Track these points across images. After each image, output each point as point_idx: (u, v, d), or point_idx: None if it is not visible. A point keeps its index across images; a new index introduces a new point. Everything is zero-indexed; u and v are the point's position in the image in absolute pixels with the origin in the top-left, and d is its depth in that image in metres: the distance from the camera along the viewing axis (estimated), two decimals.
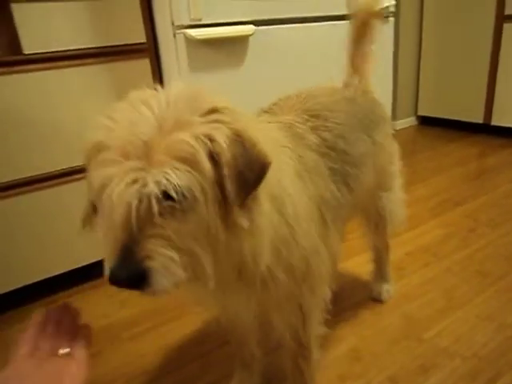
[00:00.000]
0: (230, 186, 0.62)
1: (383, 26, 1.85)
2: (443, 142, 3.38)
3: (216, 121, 0.64)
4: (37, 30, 1.48)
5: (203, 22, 1.61)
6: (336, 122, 1.12)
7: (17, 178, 1.57)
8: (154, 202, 0.58)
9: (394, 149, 1.43)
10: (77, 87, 1.61)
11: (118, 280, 0.58)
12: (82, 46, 1.59)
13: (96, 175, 0.62)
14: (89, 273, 1.86)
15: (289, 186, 0.86)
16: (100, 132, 0.64)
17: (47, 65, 1.53)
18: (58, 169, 1.66)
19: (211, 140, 0.62)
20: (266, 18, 1.74)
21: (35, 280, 1.71)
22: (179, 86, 0.71)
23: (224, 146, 0.62)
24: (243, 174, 0.63)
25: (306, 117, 1.08)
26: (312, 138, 1.03)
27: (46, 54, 1.52)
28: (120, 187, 0.57)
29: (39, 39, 1.50)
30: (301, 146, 0.99)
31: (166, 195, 0.59)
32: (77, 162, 1.67)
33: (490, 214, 2.24)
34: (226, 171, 0.62)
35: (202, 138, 0.61)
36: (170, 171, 0.58)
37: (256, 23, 1.70)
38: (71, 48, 1.56)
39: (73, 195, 1.68)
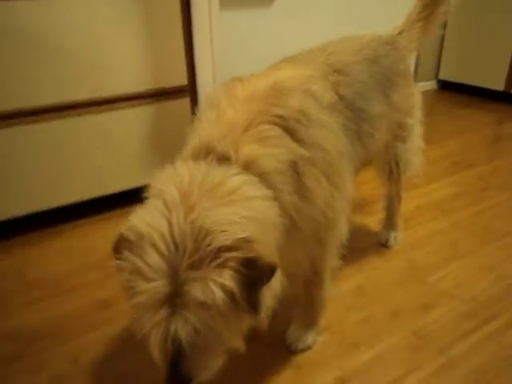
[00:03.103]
0: (245, 308, 0.74)
1: None
2: (461, 107, 3.37)
3: (225, 261, 0.71)
4: None
5: None
6: (356, 79, 1.16)
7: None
8: (181, 340, 0.71)
9: (412, 102, 1.46)
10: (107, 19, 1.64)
11: None
12: None
13: (140, 319, 0.74)
14: (109, 203, 1.96)
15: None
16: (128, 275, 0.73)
17: None
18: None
19: (222, 285, 0.70)
20: None
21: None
22: (175, 197, 0.75)
23: (235, 287, 0.71)
24: (253, 290, 0.74)
25: (329, 70, 1.12)
26: (327, 98, 1.06)
27: None
28: (156, 339, 0.72)
29: None
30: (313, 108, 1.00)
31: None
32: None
33: (502, 178, 2.28)
34: (239, 301, 0.72)
35: (213, 287, 0.69)
36: (188, 319, 0.69)
37: None
38: None
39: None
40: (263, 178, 0.85)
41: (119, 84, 1.75)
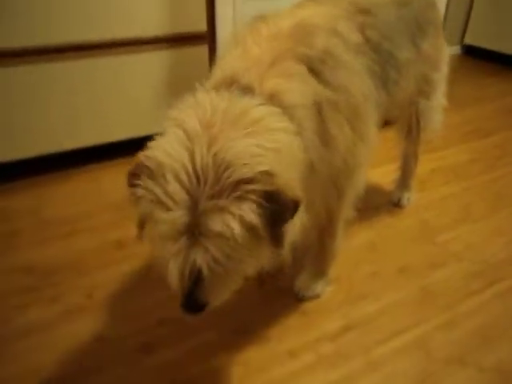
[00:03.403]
0: (267, 240, 0.74)
1: None
2: (485, 75, 3.26)
3: (244, 194, 0.69)
4: None
5: None
6: (385, 21, 1.11)
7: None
8: (200, 269, 0.72)
9: (441, 55, 1.41)
10: None
11: (187, 313, 0.80)
12: None
13: (159, 249, 0.74)
14: (123, 148, 1.95)
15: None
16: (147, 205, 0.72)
17: None
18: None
19: (241, 217, 0.69)
20: None
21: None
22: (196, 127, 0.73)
23: (255, 220, 0.70)
24: (276, 224, 0.73)
25: (353, 10, 1.07)
26: (353, 38, 1.02)
27: None
28: (175, 267, 0.73)
29: None
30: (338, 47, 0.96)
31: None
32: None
33: None
34: (260, 233, 0.72)
35: (231, 219, 0.68)
36: (208, 249, 0.70)
37: None
38: None
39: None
40: (287, 111, 0.82)
41: (137, 26, 1.71)
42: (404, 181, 1.71)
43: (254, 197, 0.70)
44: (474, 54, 3.64)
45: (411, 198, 1.72)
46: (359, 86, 0.99)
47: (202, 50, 1.85)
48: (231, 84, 0.83)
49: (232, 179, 0.69)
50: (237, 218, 0.69)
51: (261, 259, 0.80)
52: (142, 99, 1.84)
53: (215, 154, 0.70)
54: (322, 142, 0.91)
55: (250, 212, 0.69)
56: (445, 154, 2.12)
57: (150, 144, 0.76)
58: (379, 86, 1.09)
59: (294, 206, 0.74)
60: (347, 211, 1.19)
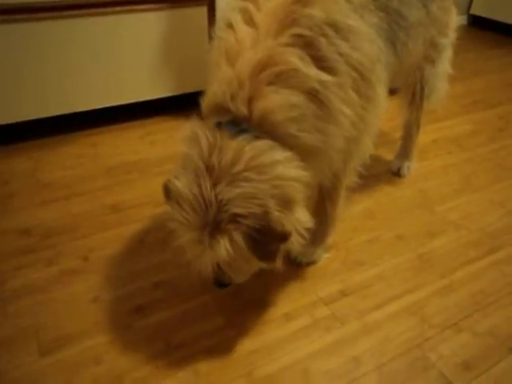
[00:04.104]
0: (257, 256, 0.89)
1: None
2: (490, 46, 3.20)
3: (239, 225, 0.85)
4: None
5: None
6: None
7: None
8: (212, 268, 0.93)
9: (449, 20, 1.36)
10: None
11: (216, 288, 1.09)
12: None
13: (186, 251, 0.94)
14: (121, 114, 1.92)
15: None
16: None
17: None
18: None
19: (235, 241, 0.86)
20: None
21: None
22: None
23: (245, 245, 0.86)
24: (265, 250, 0.89)
25: None
26: None
27: None
28: (197, 265, 0.93)
29: None
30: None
31: None
32: None
33: None
34: (251, 255, 0.88)
35: (227, 242, 0.86)
36: (213, 256, 0.88)
37: None
38: None
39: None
40: (280, 130, 0.88)
41: None
42: (405, 150, 1.69)
43: (245, 228, 0.85)
44: (480, 25, 3.56)
45: (411, 167, 1.71)
46: (366, 51, 0.93)
47: (201, 11, 1.79)
48: (224, 112, 0.90)
49: (228, 214, 0.85)
50: (231, 242, 0.86)
51: (260, 265, 0.95)
52: (139, 62, 1.79)
53: (217, 195, 0.86)
54: (327, 121, 0.90)
55: (241, 239, 0.86)
56: (447, 124, 2.10)
57: (174, 172, 0.93)
58: (388, 45, 1.05)
59: (282, 239, 0.88)
60: (351, 177, 1.17)
